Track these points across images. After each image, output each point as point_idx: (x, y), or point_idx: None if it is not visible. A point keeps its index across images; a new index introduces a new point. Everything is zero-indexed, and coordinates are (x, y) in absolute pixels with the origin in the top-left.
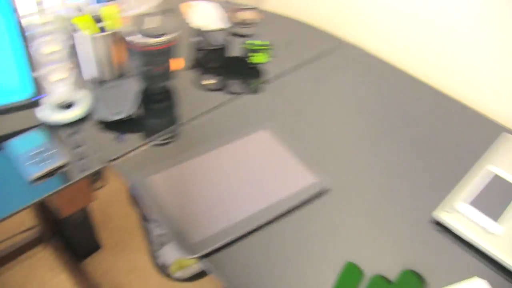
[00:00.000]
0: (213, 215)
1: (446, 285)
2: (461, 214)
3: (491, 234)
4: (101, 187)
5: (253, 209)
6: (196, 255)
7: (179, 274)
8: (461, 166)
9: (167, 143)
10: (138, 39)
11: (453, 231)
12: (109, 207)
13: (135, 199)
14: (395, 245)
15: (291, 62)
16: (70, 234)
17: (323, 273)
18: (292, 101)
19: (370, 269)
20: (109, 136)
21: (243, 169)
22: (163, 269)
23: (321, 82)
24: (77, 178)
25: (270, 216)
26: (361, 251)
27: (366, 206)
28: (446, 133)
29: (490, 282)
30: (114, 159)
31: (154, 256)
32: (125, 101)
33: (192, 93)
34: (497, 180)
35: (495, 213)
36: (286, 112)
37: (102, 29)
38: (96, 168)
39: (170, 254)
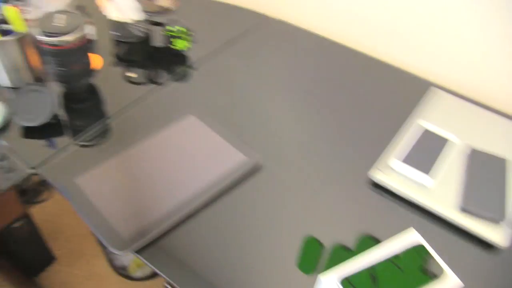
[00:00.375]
0: (147, 206)
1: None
2: (395, 172)
3: (424, 187)
4: (43, 200)
5: (187, 194)
6: (127, 250)
7: (139, 273)
8: (393, 124)
9: (94, 141)
10: (47, 39)
11: (388, 188)
12: (60, 217)
13: None
14: (339, 211)
15: (215, 44)
16: (17, 251)
17: (277, 248)
18: (219, 83)
19: (323, 238)
20: (34, 143)
21: (174, 156)
22: (123, 271)
23: (248, 60)
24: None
25: (205, 199)
26: (310, 222)
27: (305, 177)
28: (377, 95)
29: (427, 231)
30: (39, 165)
31: (111, 259)
32: (43, 106)
33: (117, 87)
34: (427, 134)
35: (426, 167)
36: (214, 94)
37: (8, 32)
38: (19, 178)
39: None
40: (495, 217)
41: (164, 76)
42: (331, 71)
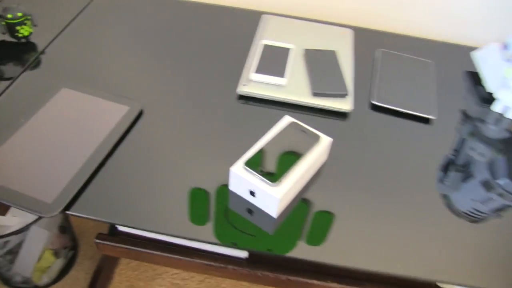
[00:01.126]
0: (55, 173)
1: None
2: (255, 82)
3: (281, 87)
4: None
5: (87, 155)
6: (57, 211)
7: (45, 278)
8: (243, 51)
9: None
10: None
11: (255, 96)
12: None
13: None
14: (218, 130)
15: (63, 22)
16: None
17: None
18: (78, 55)
19: (210, 181)
20: None
21: (63, 128)
22: (27, 283)
23: (101, 28)
24: None
25: (105, 151)
26: (198, 151)
27: (183, 111)
28: (223, 33)
29: (294, 117)
30: None
31: (9, 277)
32: None
33: None
34: (268, 48)
35: (278, 71)
36: (79, 64)
37: None
38: None
39: (24, 264)
40: (342, 92)
41: (14, 67)
42: (178, 24)
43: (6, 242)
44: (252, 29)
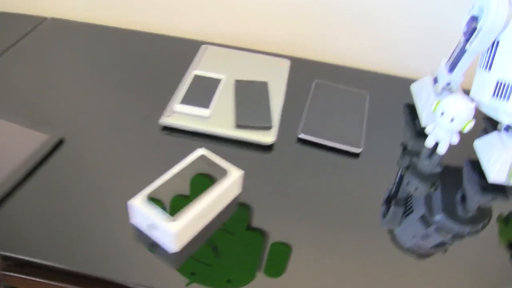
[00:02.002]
0: None
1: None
2: (179, 113)
3: (204, 118)
4: None
5: None
6: None
7: None
8: (175, 80)
9: None
10: None
11: (177, 127)
12: None
13: None
14: (139, 159)
15: (3, 44)
16: None
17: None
18: (11, 79)
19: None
20: None
21: None
22: None
23: (34, 59)
24: None
25: (16, 179)
26: (121, 179)
27: (107, 139)
28: (158, 61)
29: (214, 150)
30: None
31: None
32: None
33: None
34: (198, 78)
35: (203, 102)
36: (7, 89)
37: None
38: None
39: None
40: (265, 124)
41: None
42: (121, 53)
43: None
44: (190, 59)
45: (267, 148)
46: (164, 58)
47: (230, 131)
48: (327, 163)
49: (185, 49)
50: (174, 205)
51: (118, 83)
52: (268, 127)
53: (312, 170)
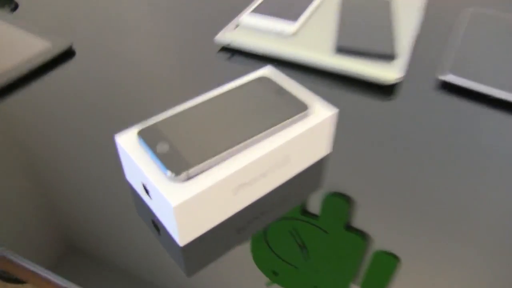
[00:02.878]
0: None
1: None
2: (246, 27)
3: (287, 36)
4: None
5: None
6: None
7: None
8: None
9: None
10: None
11: (242, 48)
12: None
13: None
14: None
15: None
16: None
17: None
18: None
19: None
20: None
21: None
22: None
23: None
24: None
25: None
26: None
27: (132, 58)
28: None
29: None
30: None
31: None
32: None
33: None
34: None
35: (290, 14)
36: None
37: None
38: None
39: None
40: (384, 51)
41: None
42: None
43: None
44: None
45: (384, 90)
46: None
47: (325, 56)
48: (486, 124)
49: None
50: (192, 152)
51: None
52: (388, 56)
53: (459, 133)
